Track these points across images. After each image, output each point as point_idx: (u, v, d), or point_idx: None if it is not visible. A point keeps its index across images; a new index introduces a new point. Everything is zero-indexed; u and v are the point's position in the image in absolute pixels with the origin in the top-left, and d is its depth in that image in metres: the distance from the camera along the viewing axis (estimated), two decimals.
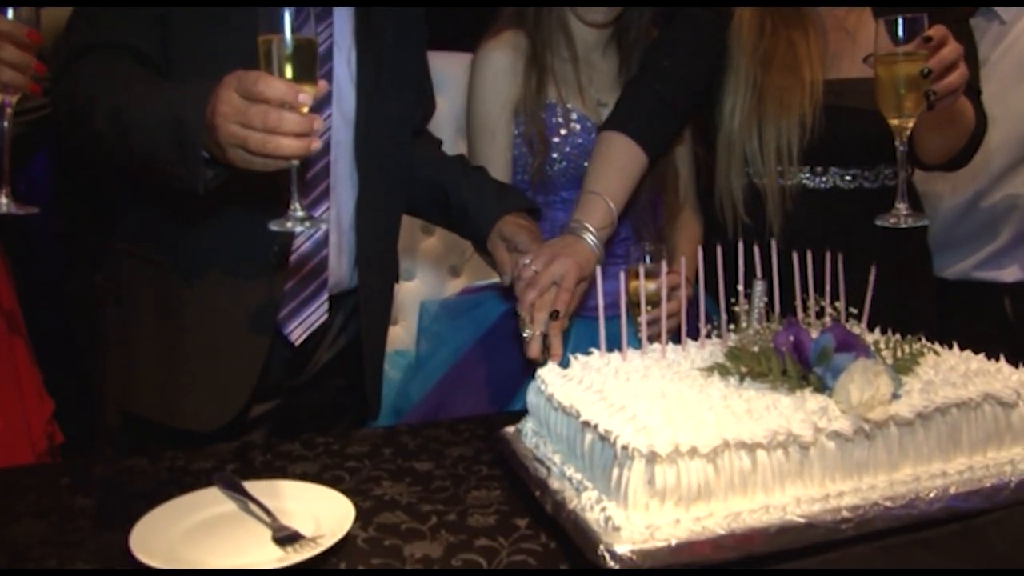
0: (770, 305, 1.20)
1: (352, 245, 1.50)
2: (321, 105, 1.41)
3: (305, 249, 1.43)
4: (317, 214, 1.42)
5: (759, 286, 1.19)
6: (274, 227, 1.15)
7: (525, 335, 1.38)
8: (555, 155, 1.66)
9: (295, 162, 1.12)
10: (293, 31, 1.09)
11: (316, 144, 1.10)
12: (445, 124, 2.06)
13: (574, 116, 1.67)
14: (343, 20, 1.45)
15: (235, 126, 1.10)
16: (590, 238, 1.47)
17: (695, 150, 1.77)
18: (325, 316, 1.46)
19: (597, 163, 1.55)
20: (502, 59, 1.67)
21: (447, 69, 2.13)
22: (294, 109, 1.08)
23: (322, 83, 1.14)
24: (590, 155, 1.61)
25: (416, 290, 2.30)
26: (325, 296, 1.45)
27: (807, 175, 1.61)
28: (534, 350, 1.36)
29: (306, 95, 1.08)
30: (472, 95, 1.72)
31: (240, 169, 1.15)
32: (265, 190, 1.26)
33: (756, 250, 1.21)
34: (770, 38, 1.60)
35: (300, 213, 1.14)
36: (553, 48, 1.68)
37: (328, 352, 1.55)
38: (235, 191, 1.26)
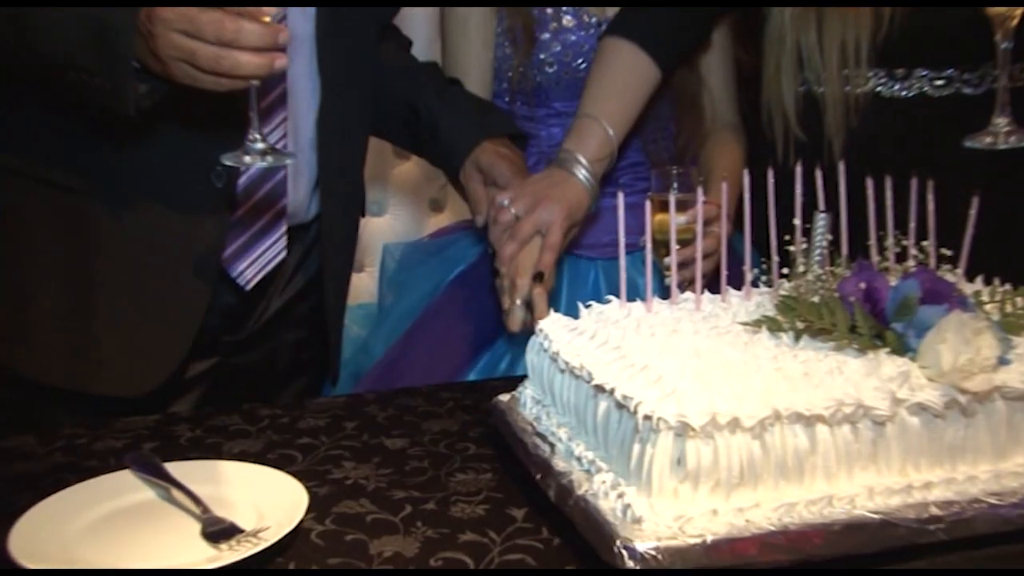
0: (835, 244, 1.18)
1: (313, 166, 1.51)
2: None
3: (256, 173, 1.44)
4: (271, 127, 1.42)
5: (822, 219, 1.17)
6: (228, 161, 1.16)
7: (504, 306, 1.42)
8: (543, 55, 1.66)
9: (255, 82, 1.13)
10: None
11: (282, 61, 1.11)
12: (420, 20, 2.04)
13: (567, 8, 1.66)
14: None
15: (179, 36, 1.10)
16: (582, 173, 1.48)
17: (735, 55, 1.73)
18: (284, 253, 1.49)
19: (595, 79, 1.55)
20: None
21: None
22: (255, 18, 1.08)
23: None
24: (589, 57, 1.59)
25: (387, 228, 2.30)
26: (283, 228, 1.48)
27: (883, 79, 1.57)
28: (514, 322, 1.40)
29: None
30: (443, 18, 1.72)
31: (182, 86, 1.15)
32: (212, 107, 1.27)
33: (819, 174, 1.19)
34: None
35: (260, 145, 1.15)
36: None
37: (279, 298, 1.57)
38: (173, 106, 1.26)
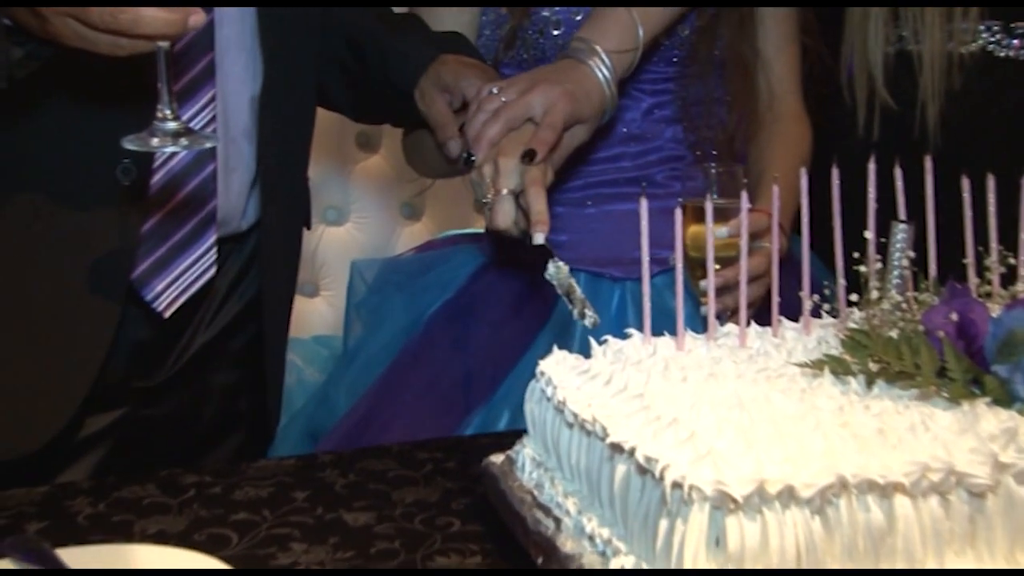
0: (919, 262, 1.18)
1: (249, 160, 1.53)
2: None
3: (177, 166, 1.44)
4: (194, 108, 1.42)
5: (902, 231, 1.17)
6: (130, 145, 1.15)
7: (485, 200, 1.38)
8: (547, 12, 1.64)
9: (164, 44, 1.12)
10: None
11: (198, 17, 1.10)
12: None
13: None
14: None
15: None
16: (596, 64, 1.47)
17: (795, 34, 1.74)
18: (212, 271, 1.50)
19: None
20: None
21: None
22: None
23: None
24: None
25: (348, 240, 2.31)
26: (212, 238, 1.49)
27: (997, 35, 1.57)
28: (500, 216, 1.37)
29: None
30: None
31: (71, 49, 1.14)
32: (115, 78, 1.26)
33: (898, 171, 1.19)
34: None
35: (172, 124, 1.14)
36: None
37: (207, 330, 1.58)
38: (61, 78, 1.26)
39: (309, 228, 1.72)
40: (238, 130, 1.50)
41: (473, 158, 1.40)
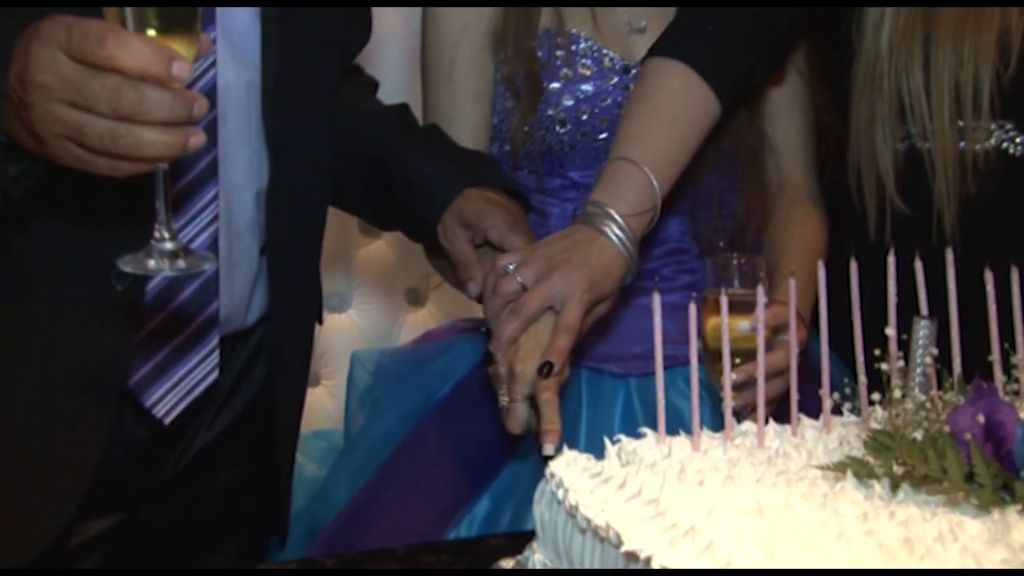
0: (943, 359, 1.17)
1: (253, 255, 1.53)
2: (204, 23, 1.43)
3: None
4: (198, 207, 1.43)
5: (924, 327, 1.16)
6: (126, 267, 1.15)
7: (501, 402, 1.40)
8: (552, 111, 1.66)
9: (163, 165, 1.12)
10: None
11: (197, 139, 1.10)
12: (397, 56, 2.11)
13: (585, 50, 1.68)
14: None
15: (64, 107, 1.09)
16: (614, 232, 1.45)
17: (813, 112, 1.74)
18: (215, 375, 1.49)
19: (633, 110, 1.54)
20: None
21: None
22: (163, 82, 1.07)
23: (204, 38, 1.14)
24: (613, 114, 1.62)
25: (351, 328, 2.32)
26: (214, 341, 1.48)
27: (1010, 133, 1.56)
28: (514, 422, 1.39)
29: (182, 63, 1.07)
30: (425, 14, 1.75)
31: (68, 168, 1.14)
32: (109, 189, 1.24)
33: (919, 264, 1.18)
34: None
35: (170, 244, 1.14)
36: None
37: (208, 430, 1.57)
38: (55, 192, 1.26)
39: (321, 323, 1.72)
40: (242, 224, 1.50)
41: (495, 355, 1.41)
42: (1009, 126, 1.58)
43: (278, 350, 1.57)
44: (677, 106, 1.51)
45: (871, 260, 1.20)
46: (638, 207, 1.46)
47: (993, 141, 1.58)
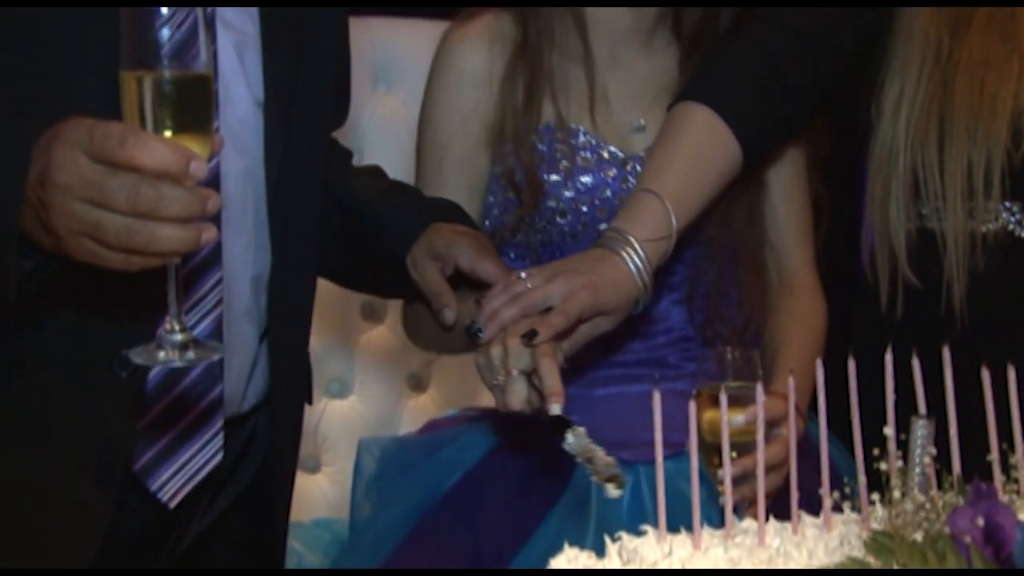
0: (942, 459, 1.16)
1: (251, 340, 1.54)
2: None
3: None
4: (201, 293, 1.44)
5: (922, 427, 1.16)
6: (137, 358, 1.17)
7: (496, 383, 1.39)
8: (552, 203, 1.67)
9: (175, 259, 1.14)
10: (179, 63, 1.11)
11: (210, 234, 1.12)
12: (398, 135, 2.10)
13: (584, 143, 1.69)
14: None
15: (83, 205, 1.10)
16: (629, 254, 1.46)
17: (807, 209, 1.76)
18: (219, 457, 1.49)
19: (657, 148, 1.57)
20: (473, 55, 1.72)
21: (405, 45, 2.20)
22: (178, 180, 1.09)
23: (218, 137, 1.17)
24: (612, 205, 1.61)
25: (352, 414, 2.31)
26: (218, 423, 1.49)
27: (1016, 215, 1.58)
28: (513, 398, 1.37)
29: (199, 162, 1.09)
30: (424, 103, 1.78)
31: (81, 262, 1.16)
32: (113, 282, 1.26)
33: (916, 363, 1.18)
34: None
35: (179, 336, 1.16)
36: (556, 39, 1.69)
37: (204, 516, 1.57)
38: (64, 284, 1.27)
39: (311, 403, 1.71)
40: (240, 310, 1.51)
41: (480, 332, 1.40)
42: (1016, 208, 1.60)
43: (276, 434, 1.57)
44: (699, 146, 1.54)
45: (879, 334, 1.21)
46: (654, 233, 1.48)
47: (1000, 222, 1.60)
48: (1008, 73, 1.55)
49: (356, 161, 1.87)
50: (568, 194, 1.68)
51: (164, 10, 1.11)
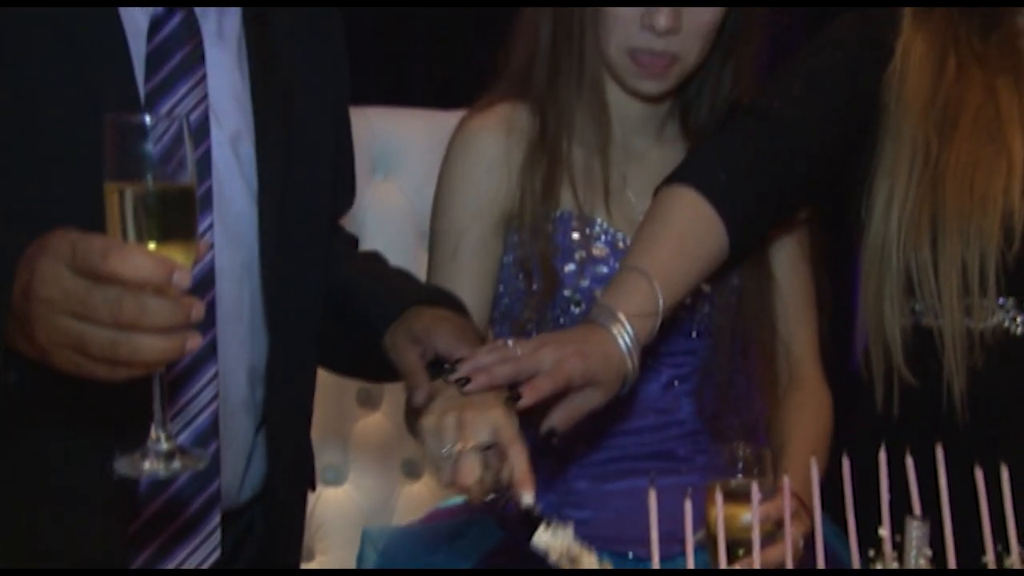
0: (939, 559, 1.17)
1: (247, 433, 1.53)
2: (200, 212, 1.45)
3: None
4: (197, 387, 1.44)
5: (917, 530, 1.16)
6: (121, 469, 1.16)
7: (444, 451, 1.28)
8: (567, 292, 1.67)
9: (160, 368, 1.15)
10: (163, 174, 1.12)
11: (194, 342, 1.12)
12: (396, 222, 2.12)
13: (599, 232, 1.70)
14: (224, 68, 1.50)
15: (66, 319, 1.10)
16: (619, 329, 1.45)
17: (813, 302, 1.77)
18: (217, 554, 1.48)
19: (645, 228, 1.57)
20: (491, 143, 1.72)
21: (403, 135, 2.21)
22: (162, 290, 1.09)
23: (202, 245, 1.18)
24: None
25: (347, 501, 2.29)
26: (216, 519, 1.48)
27: (1011, 311, 1.59)
28: (467, 473, 1.26)
29: (183, 273, 1.09)
30: (440, 190, 1.77)
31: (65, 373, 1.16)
32: (102, 389, 1.25)
33: (910, 462, 1.19)
34: (954, 86, 1.62)
35: (165, 445, 1.16)
36: (573, 129, 1.71)
37: None
38: (51, 393, 1.27)
39: (313, 490, 1.71)
40: (236, 402, 1.50)
41: (466, 381, 1.33)
42: (1010, 304, 1.61)
43: (275, 524, 1.56)
44: (685, 226, 1.54)
45: (876, 432, 1.21)
46: (641, 309, 1.47)
47: (995, 319, 1.61)
48: (997, 172, 1.56)
49: None
50: (584, 284, 1.68)
51: (148, 120, 1.12)
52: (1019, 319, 1.61)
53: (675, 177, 1.59)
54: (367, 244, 2.14)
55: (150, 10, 1.42)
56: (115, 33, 1.37)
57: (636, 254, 1.54)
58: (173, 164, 1.13)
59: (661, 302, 1.49)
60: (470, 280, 1.72)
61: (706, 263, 1.56)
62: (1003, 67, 1.61)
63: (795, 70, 1.67)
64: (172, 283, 1.08)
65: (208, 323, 1.45)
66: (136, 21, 1.40)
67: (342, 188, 1.73)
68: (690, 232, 1.54)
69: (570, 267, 1.68)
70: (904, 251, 1.61)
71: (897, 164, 1.61)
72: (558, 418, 1.42)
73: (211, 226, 1.46)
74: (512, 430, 1.30)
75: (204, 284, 1.44)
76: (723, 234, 1.55)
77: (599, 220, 1.70)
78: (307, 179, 1.57)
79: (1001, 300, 1.59)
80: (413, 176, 2.10)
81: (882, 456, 1.19)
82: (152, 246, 1.12)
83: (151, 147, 1.12)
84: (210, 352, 1.45)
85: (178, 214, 1.14)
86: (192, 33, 1.45)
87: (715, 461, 1.51)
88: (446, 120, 2.16)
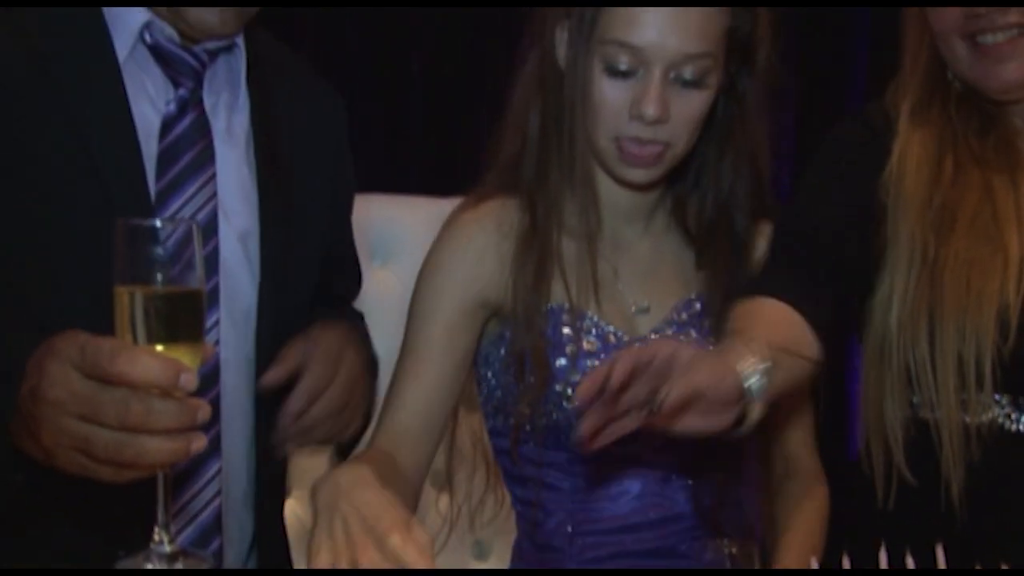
0: None
1: (248, 528, 1.54)
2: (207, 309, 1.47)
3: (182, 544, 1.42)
4: (201, 483, 1.45)
5: None
6: (124, 566, 1.16)
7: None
8: (559, 387, 1.63)
9: (165, 469, 1.15)
10: (172, 277, 1.14)
11: (199, 444, 1.13)
12: (393, 309, 2.09)
13: (590, 326, 1.67)
14: (233, 166, 1.53)
15: (73, 420, 1.11)
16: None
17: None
18: None
19: (739, 324, 1.51)
20: (479, 236, 1.69)
21: (401, 222, 2.26)
22: (168, 391, 1.11)
23: (208, 347, 1.19)
24: None
25: None
26: None
27: (1006, 408, 1.61)
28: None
29: (189, 375, 1.10)
30: (425, 272, 1.73)
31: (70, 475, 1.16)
32: (107, 489, 1.26)
33: (911, 561, 1.20)
34: (951, 187, 1.64)
35: (167, 548, 1.16)
36: (563, 220, 1.70)
37: None
38: (56, 493, 1.27)
39: None
40: (238, 498, 1.51)
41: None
42: (1005, 400, 1.62)
43: None
44: (788, 327, 1.51)
45: (877, 528, 1.21)
46: (762, 353, 1.39)
47: (991, 415, 1.62)
48: (993, 270, 1.58)
49: None
50: (575, 378, 1.64)
51: (159, 224, 1.14)
52: (1014, 415, 1.62)
53: (759, 289, 1.58)
54: None
55: (162, 109, 1.45)
56: (127, 133, 1.41)
57: (739, 333, 1.48)
58: (181, 267, 1.15)
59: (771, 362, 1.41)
60: (443, 359, 1.67)
61: (802, 374, 1.53)
62: (1000, 166, 1.64)
63: (805, 188, 1.72)
64: (179, 385, 1.09)
65: (212, 419, 1.44)
66: (148, 121, 1.44)
67: (348, 278, 1.76)
68: (792, 332, 1.52)
69: (562, 362, 1.65)
70: (903, 346, 1.62)
71: (896, 261, 1.63)
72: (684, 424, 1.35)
73: (217, 322, 1.48)
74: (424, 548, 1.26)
75: (209, 380, 1.45)
76: (816, 346, 1.53)
77: (589, 313, 1.67)
78: (306, 272, 1.60)
79: (997, 396, 1.60)
80: (411, 262, 2.08)
81: (882, 555, 1.19)
82: (160, 348, 1.13)
83: (160, 251, 1.14)
84: (214, 448, 1.46)
85: (186, 316, 1.15)
86: (203, 133, 1.48)
87: (704, 559, 1.50)
88: (444, 208, 2.16)
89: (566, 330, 1.66)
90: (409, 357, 1.69)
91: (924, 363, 1.61)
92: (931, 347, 1.60)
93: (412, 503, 1.55)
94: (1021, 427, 1.62)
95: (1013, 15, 1.58)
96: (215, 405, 1.48)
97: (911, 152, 1.67)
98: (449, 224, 1.75)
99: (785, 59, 1.70)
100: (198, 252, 1.16)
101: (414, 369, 1.66)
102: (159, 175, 1.43)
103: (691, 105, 1.59)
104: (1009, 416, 1.61)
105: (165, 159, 1.44)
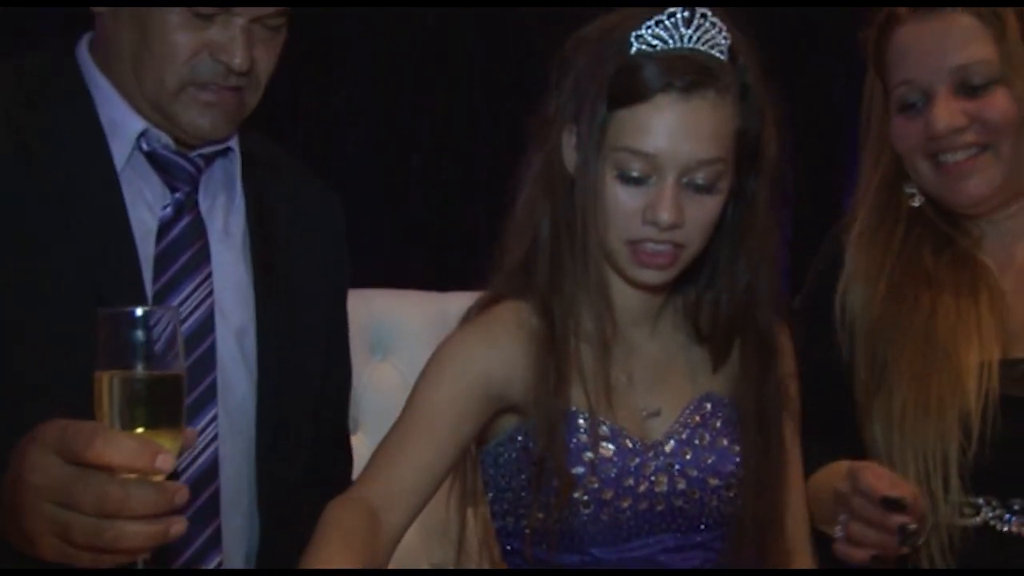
0: None
1: None
2: (204, 404, 1.49)
3: None
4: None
5: None
6: None
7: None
8: (578, 495, 1.60)
9: (144, 555, 1.15)
10: (152, 362, 1.15)
11: (178, 528, 1.13)
12: (393, 403, 2.08)
13: (604, 432, 1.63)
14: (230, 265, 1.55)
15: (53, 507, 1.11)
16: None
17: (803, 495, 1.78)
18: None
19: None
20: (503, 334, 1.66)
21: (401, 316, 2.26)
22: (145, 474, 1.11)
23: (189, 432, 1.19)
24: (634, 491, 1.59)
25: None
26: None
27: (996, 510, 1.63)
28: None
29: (167, 456, 1.11)
30: (437, 355, 1.67)
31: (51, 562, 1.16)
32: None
33: None
34: (896, 305, 1.72)
35: None
36: (580, 325, 1.68)
37: None
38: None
39: None
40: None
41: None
42: (995, 501, 1.63)
43: None
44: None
45: None
46: None
47: (981, 516, 1.63)
48: (948, 376, 1.64)
49: (352, 428, 1.89)
50: (594, 486, 1.60)
51: (139, 312, 1.15)
52: (1005, 517, 1.63)
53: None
54: (365, 423, 2.16)
55: (159, 212, 1.48)
56: (124, 238, 1.44)
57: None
58: (164, 354, 1.16)
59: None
60: (443, 443, 1.61)
61: None
62: (956, 282, 1.71)
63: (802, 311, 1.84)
64: (156, 467, 1.10)
65: (212, 514, 1.47)
66: (146, 225, 1.47)
67: (342, 372, 1.76)
68: None
69: (580, 470, 1.60)
70: (877, 450, 1.69)
71: (857, 371, 1.72)
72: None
73: (215, 417, 1.49)
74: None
75: (208, 475, 1.47)
76: None
77: (602, 420, 1.63)
78: (304, 368, 1.60)
79: (986, 497, 1.62)
80: (411, 356, 2.11)
81: None
82: (140, 431, 1.13)
83: (140, 336, 1.15)
84: (214, 543, 1.47)
85: (167, 402, 1.16)
86: (199, 234, 1.51)
87: None
88: (443, 302, 2.21)
89: (584, 437, 1.63)
90: (412, 422, 1.62)
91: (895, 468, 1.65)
92: (901, 454, 1.65)
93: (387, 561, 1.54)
94: (1012, 528, 1.64)
95: (970, 135, 1.67)
96: (214, 502, 1.48)
97: (857, 273, 1.76)
98: (472, 319, 1.67)
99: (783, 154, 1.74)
100: (179, 337, 1.17)
101: (416, 435, 1.60)
102: (156, 276, 1.46)
103: (704, 210, 1.58)
104: (1000, 518, 1.63)
105: (162, 260, 1.47)
